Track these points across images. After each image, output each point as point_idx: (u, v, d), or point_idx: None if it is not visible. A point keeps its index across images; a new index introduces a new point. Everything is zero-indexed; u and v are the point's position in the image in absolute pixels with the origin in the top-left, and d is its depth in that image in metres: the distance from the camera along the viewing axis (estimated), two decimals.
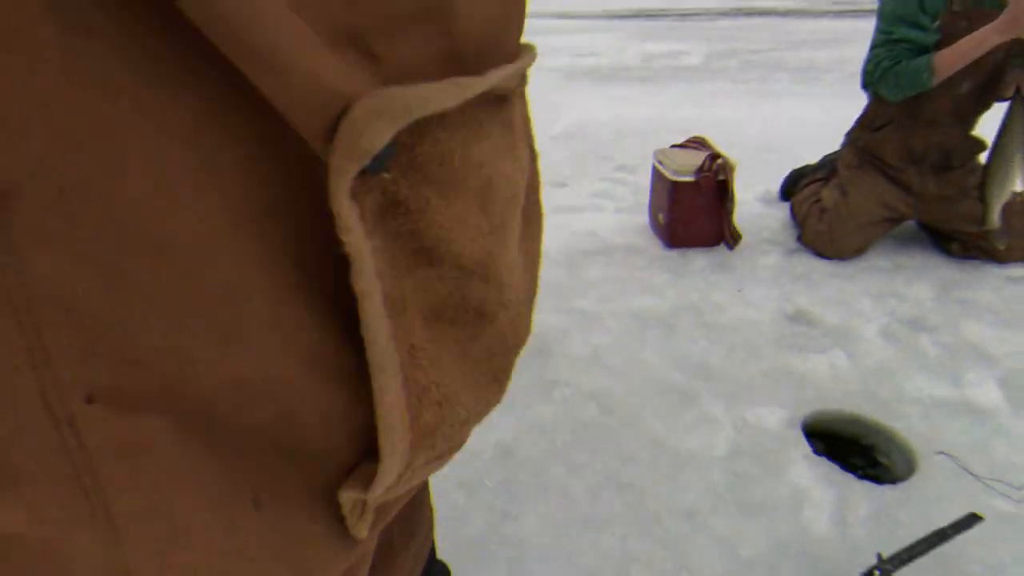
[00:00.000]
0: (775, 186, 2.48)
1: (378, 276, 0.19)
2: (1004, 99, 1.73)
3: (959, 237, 1.89)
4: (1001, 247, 1.77)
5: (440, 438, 0.24)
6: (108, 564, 0.18)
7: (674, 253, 2.02)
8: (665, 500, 1.10)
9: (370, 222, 0.19)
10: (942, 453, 1.16)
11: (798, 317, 1.64)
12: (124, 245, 0.16)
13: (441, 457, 0.26)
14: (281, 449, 0.21)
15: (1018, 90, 1.57)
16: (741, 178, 2.07)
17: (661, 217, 2.07)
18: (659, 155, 2.08)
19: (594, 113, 4.21)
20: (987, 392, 1.31)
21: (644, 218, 2.27)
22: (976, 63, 1.69)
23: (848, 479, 1.12)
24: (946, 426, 1.23)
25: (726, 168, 1.90)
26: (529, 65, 0.26)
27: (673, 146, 2.17)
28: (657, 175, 2.09)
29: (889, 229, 1.96)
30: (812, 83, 5.31)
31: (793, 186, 2.33)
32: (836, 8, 16.50)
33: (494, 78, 0.22)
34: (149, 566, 0.19)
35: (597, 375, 1.43)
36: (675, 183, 1.95)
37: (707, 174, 1.91)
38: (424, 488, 0.41)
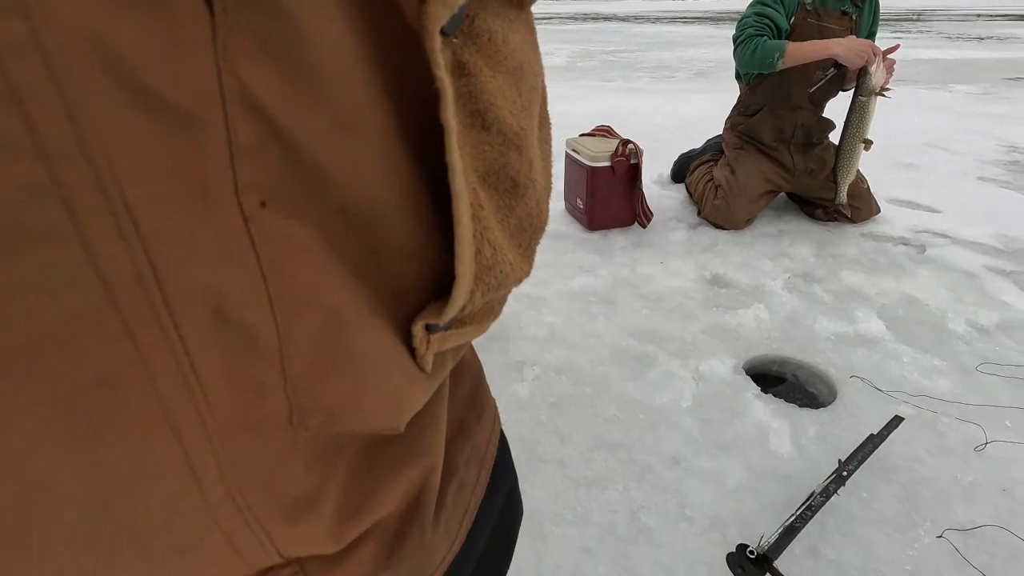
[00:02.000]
0: (666, 170, 2.74)
1: (454, 119, 0.22)
2: (845, 89, 2.09)
3: (822, 204, 2.24)
4: (847, 213, 2.16)
5: (493, 277, 0.26)
6: (279, 343, 0.21)
7: (595, 235, 2.15)
8: (652, 452, 1.19)
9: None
10: (854, 377, 1.39)
11: (716, 281, 1.85)
12: (300, 58, 0.18)
13: (485, 314, 0.29)
14: (369, 282, 0.23)
15: (856, 88, 1.92)
16: None
17: (580, 202, 2.19)
18: (572, 144, 2.20)
19: None
20: (873, 325, 1.59)
21: (560, 204, 2.39)
22: (824, 60, 2.03)
23: (793, 409, 1.30)
24: (851, 355, 1.48)
25: (637, 152, 2.07)
26: None
27: (582, 135, 2.30)
28: (572, 162, 2.21)
29: (771, 200, 2.27)
30: (667, 80, 5.87)
31: (684, 169, 2.59)
32: (668, 15, 18.30)
33: None
34: (306, 352, 0.21)
35: (559, 351, 1.50)
36: (592, 168, 2.07)
37: (620, 159, 2.06)
38: (481, 372, 0.44)
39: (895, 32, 11.88)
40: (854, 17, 2.03)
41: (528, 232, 0.29)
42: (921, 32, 11.87)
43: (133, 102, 0.16)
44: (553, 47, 8.76)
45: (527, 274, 0.30)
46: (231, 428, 0.21)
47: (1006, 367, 1.42)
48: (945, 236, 2.14)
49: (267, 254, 0.19)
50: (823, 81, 2.01)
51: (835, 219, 2.24)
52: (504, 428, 1.35)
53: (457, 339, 0.28)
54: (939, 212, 2.36)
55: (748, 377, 1.40)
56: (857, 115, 1.94)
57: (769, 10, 1.99)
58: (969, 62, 7.33)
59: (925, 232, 2.18)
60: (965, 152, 3.24)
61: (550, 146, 0.33)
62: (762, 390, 1.35)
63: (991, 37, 10.96)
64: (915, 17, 18.15)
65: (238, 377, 0.20)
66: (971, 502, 1.07)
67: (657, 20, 16.27)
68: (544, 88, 0.32)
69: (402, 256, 0.24)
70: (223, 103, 0.17)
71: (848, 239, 2.13)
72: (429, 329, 0.26)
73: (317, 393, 0.22)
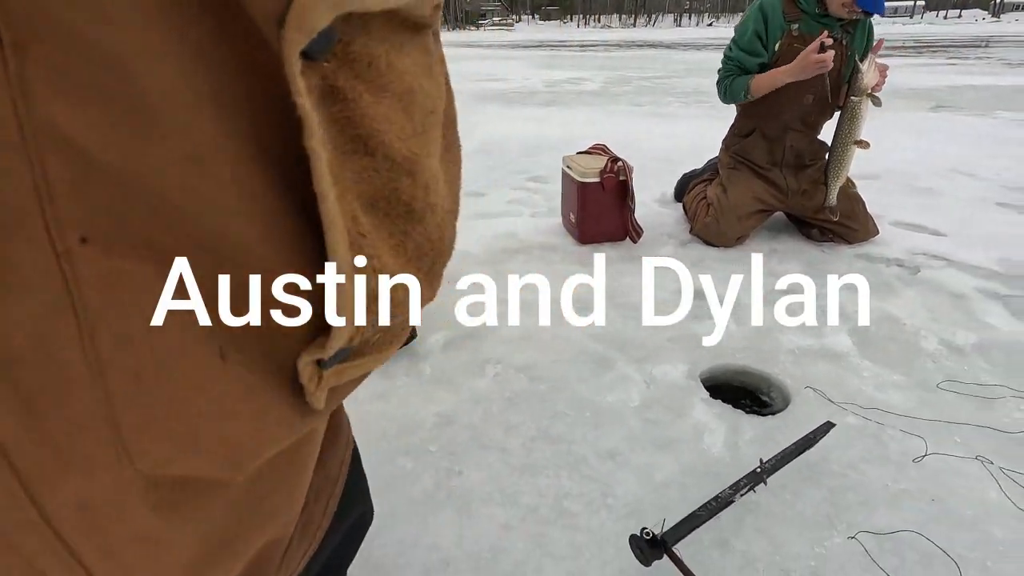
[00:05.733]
0: (670, 190, 2.79)
1: (322, 146, 0.22)
2: (840, 106, 2.11)
3: (817, 224, 2.25)
4: (834, 218, 2.15)
5: (382, 308, 0.26)
6: (93, 389, 0.20)
7: (586, 248, 2.23)
8: (590, 446, 1.25)
9: (314, 101, 0.22)
10: (809, 388, 1.41)
11: (696, 295, 1.89)
12: (125, 96, 0.18)
13: (385, 342, 0.28)
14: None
15: (848, 88, 1.94)
16: (641, 183, 2.33)
17: (572, 216, 2.28)
18: (567, 160, 2.30)
19: (505, 131, 4.45)
20: (842, 341, 1.60)
21: (558, 220, 2.48)
22: (814, 81, 2.07)
23: (738, 414, 1.33)
24: (812, 368, 1.49)
25: (625, 169, 2.15)
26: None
27: (579, 152, 2.39)
28: (566, 178, 2.30)
29: (763, 220, 2.29)
30: (699, 105, 5.89)
31: (685, 188, 2.64)
32: (713, 43, 18.26)
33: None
34: (128, 389, 0.20)
35: (526, 351, 1.57)
36: (582, 184, 2.16)
37: (609, 175, 2.14)
38: (339, 408, 0.43)
39: (951, 58, 11.46)
40: (844, 43, 2.06)
41: (430, 256, 0.29)
42: (979, 59, 11.41)
43: None
44: (588, 74, 8.94)
45: (430, 299, 0.29)
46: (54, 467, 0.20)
47: (969, 385, 1.40)
48: (943, 259, 2.10)
49: (84, 292, 0.19)
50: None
51: (831, 239, 2.24)
52: (456, 418, 1.48)
53: (356, 371, 0.27)
54: (943, 236, 2.32)
55: (699, 383, 1.44)
56: (848, 116, 1.95)
57: (737, 53, 2.14)
58: None
59: (922, 254, 2.14)
60: (991, 178, 3.14)
61: (459, 169, 0.33)
62: (711, 395, 1.39)
63: None
64: (982, 44, 17.42)
65: (37, 426, 0.19)
66: (896, 509, 1.08)
67: (700, 48, 16.23)
68: (453, 111, 0.32)
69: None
70: (22, 138, 0.17)
71: (841, 259, 2.13)
72: (321, 364, 0.25)
73: (144, 435, 0.22)
